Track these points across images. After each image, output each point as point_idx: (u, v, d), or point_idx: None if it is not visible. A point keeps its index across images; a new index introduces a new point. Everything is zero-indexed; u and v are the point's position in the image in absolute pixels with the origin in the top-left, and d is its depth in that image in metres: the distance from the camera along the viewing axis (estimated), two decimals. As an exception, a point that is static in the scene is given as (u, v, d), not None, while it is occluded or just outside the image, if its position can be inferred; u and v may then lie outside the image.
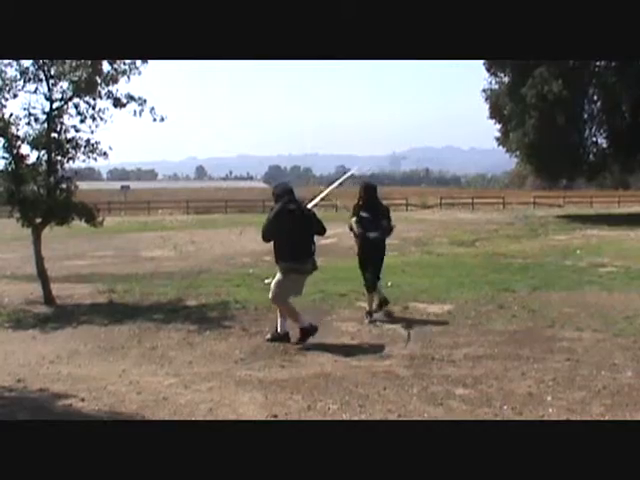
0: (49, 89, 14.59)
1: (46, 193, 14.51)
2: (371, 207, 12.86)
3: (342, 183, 12.58)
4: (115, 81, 14.88)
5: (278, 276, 11.00)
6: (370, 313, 12.59)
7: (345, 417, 7.40)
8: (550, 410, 7.52)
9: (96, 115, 15.10)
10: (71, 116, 15.04)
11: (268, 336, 11.03)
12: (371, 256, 12.80)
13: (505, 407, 7.65)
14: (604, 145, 54.31)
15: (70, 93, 14.73)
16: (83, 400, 8.04)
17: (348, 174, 12.74)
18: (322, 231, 11.41)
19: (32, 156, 14.75)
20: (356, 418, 7.36)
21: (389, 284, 16.11)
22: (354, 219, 12.87)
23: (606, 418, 7.25)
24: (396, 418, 7.34)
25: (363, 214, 12.74)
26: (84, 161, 15.53)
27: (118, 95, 15.05)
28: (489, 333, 11.25)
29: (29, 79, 14.45)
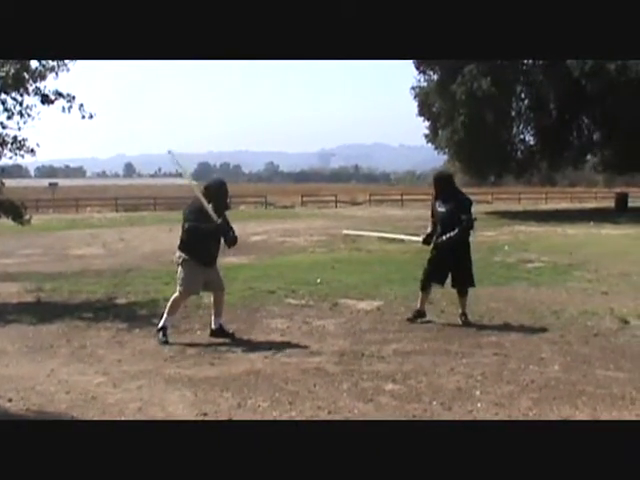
0: (-25, 85, 14.33)
1: (-28, 190, 14.27)
2: (448, 200, 11.70)
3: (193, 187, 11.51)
4: (43, 77, 14.66)
5: None
6: (418, 313, 11.92)
7: (275, 414, 7.36)
8: (479, 405, 7.57)
9: (24, 111, 14.87)
10: (-2, 112, 14.82)
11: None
12: (439, 257, 11.75)
13: (434, 402, 7.68)
14: (531, 142, 55.27)
15: (-3, 89, 14.51)
16: (10, 400, 7.87)
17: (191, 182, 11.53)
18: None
19: (-42, 153, 14.52)
20: (286, 415, 7.33)
21: (318, 281, 16.15)
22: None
23: (534, 412, 7.33)
24: (326, 415, 7.32)
25: (440, 209, 11.72)
26: (11, 158, 15.35)
27: (46, 91, 14.84)
28: (418, 329, 11.29)
29: (-46, 74, 14.19)
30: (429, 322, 11.77)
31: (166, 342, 10.53)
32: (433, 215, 12.00)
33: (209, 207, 10.56)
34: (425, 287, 11.98)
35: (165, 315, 10.82)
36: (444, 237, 11.51)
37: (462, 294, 11.96)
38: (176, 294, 11.00)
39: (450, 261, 11.70)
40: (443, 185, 11.93)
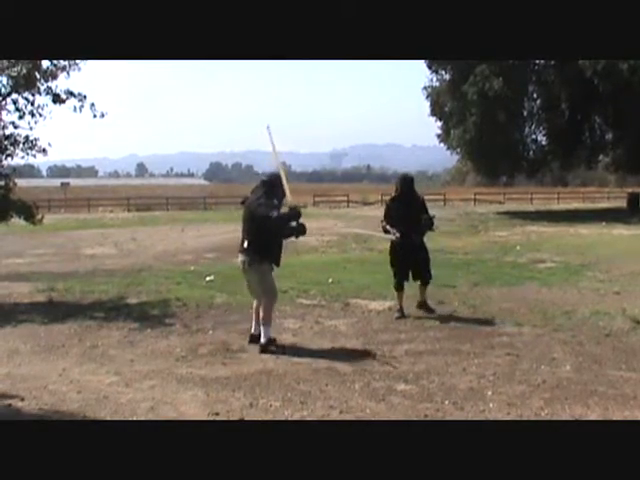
0: (-14, 85, 14.36)
1: (-17, 191, 14.29)
2: (408, 201, 12.32)
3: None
4: (54, 77, 14.68)
5: None
6: (400, 310, 12.43)
7: (287, 414, 7.37)
8: (491, 405, 7.58)
9: (35, 111, 14.90)
10: (9, 112, 14.85)
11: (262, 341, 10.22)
12: (403, 256, 12.33)
13: (446, 402, 7.69)
14: (543, 142, 55.10)
15: (9, 89, 14.52)
16: (23, 400, 7.92)
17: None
18: (257, 227, 10.16)
19: (-30, 153, 14.54)
20: (298, 415, 7.34)
21: (330, 281, 16.15)
22: (384, 221, 12.52)
23: (545, 412, 7.33)
24: (337, 415, 7.33)
25: (401, 209, 12.27)
26: (23, 158, 15.37)
27: (57, 91, 14.85)
28: (430, 329, 11.30)
29: (-34, 74, 14.23)
30: (440, 322, 11.79)
31: (281, 347, 10.13)
32: (388, 216, 12.52)
33: (288, 190, 10.24)
34: (399, 288, 12.56)
35: (263, 328, 10.15)
36: (413, 236, 12.19)
37: (424, 285, 12.67)
38: (267, 302, 10.25)
39: (410, 258, 12.37)
40: (408, 186, 12.48)
